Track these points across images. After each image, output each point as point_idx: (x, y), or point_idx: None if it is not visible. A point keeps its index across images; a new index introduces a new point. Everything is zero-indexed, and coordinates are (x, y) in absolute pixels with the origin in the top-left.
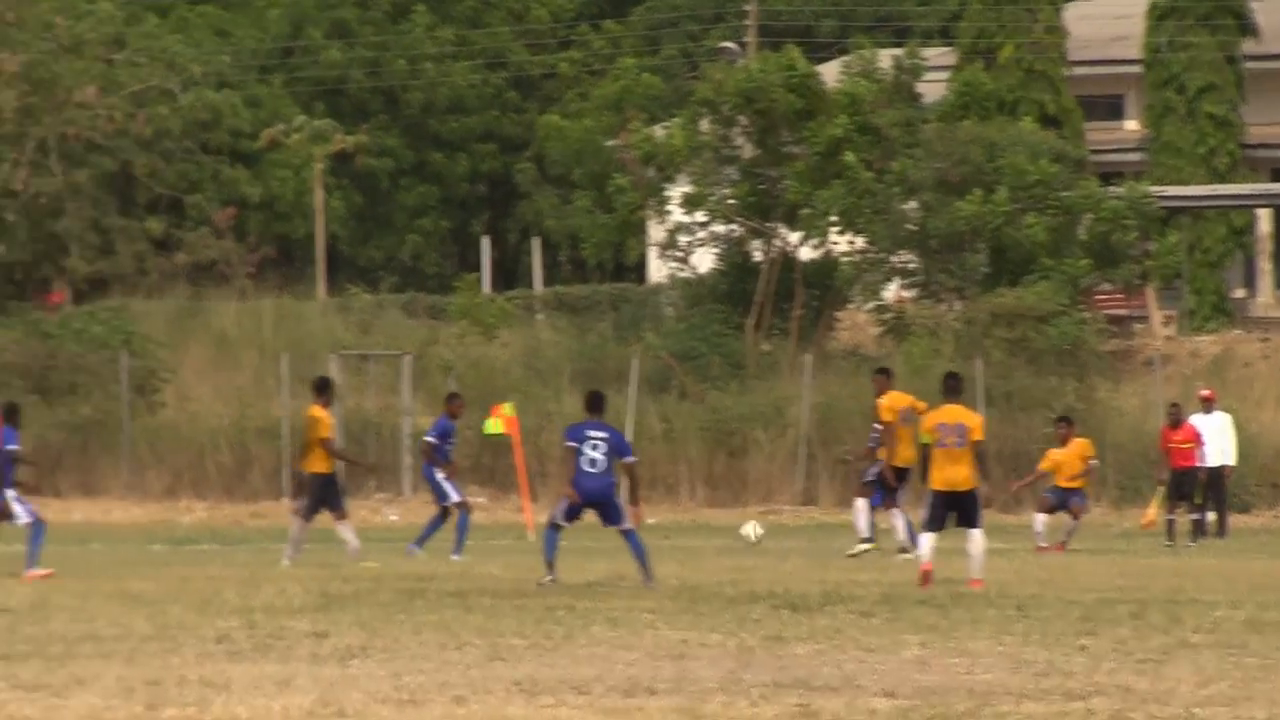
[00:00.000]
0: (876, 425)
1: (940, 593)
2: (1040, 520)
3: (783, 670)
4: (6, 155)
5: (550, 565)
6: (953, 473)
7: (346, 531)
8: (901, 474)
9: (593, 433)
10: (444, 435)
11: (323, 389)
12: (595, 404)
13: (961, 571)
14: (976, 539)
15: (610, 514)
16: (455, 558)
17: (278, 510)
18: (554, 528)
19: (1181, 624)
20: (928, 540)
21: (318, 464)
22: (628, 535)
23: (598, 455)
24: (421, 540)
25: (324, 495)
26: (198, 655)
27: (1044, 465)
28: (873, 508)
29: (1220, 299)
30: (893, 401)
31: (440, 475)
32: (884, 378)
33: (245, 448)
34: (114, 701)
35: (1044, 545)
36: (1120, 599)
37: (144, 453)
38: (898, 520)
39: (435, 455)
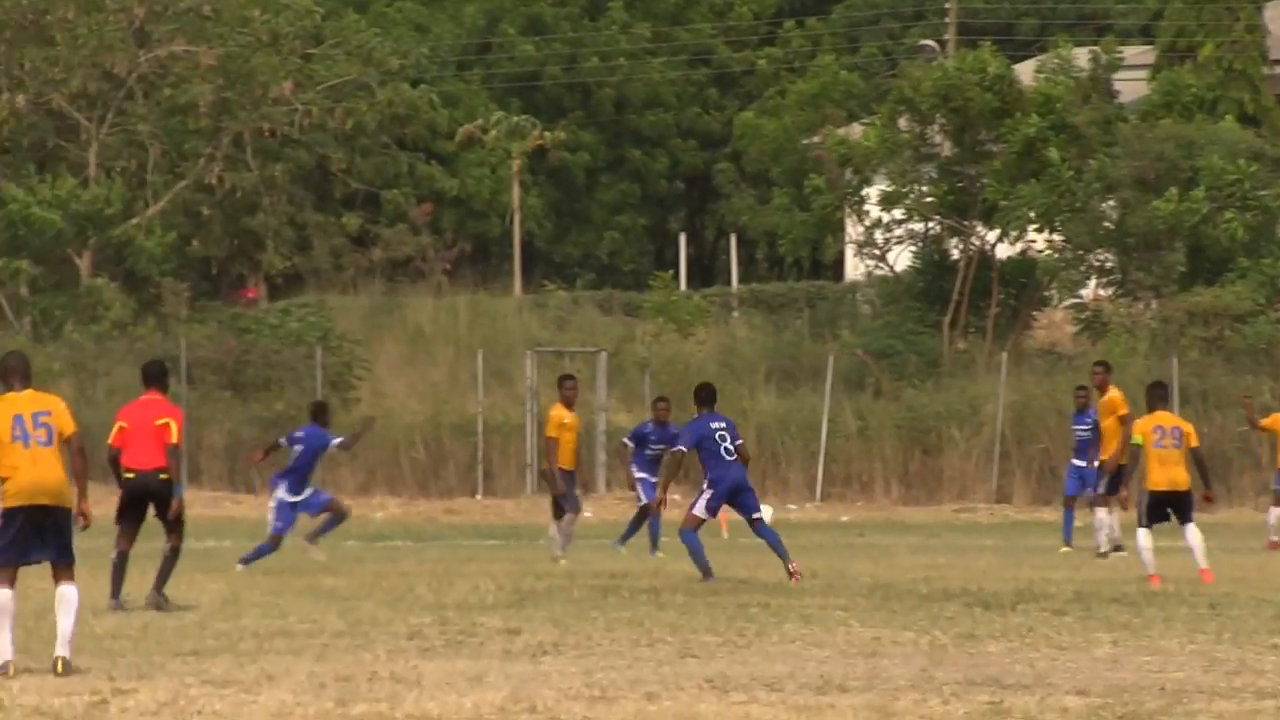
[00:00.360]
0: (1080, 427)
1: (1133, 591)
2: (1275, 514)
3: (975, 668)
4: (202, 150)
5: (708, 569)
6: (1174, 473)
7: (556, 531)
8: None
9: (715, 424)
10: (639, 440)
11: (559, 385)
12: (709, 396)
13: (1165, 568)
14: (1194, 531)
15: (750, 501)
16: (653, 555)
17: (471, 507)
18: (695, 528)
19: None
20: (1147, 541)
21: (561, 460)
22: (760, 525)
23: (728, 444)
24: (624, 538)
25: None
26: (389, 651)
27: (1266, 423)
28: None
29: None
30: (1118, 398)
31: (638, 475)
32: (1105, 371)
33: (440, 444)
34: (305, 697)
35: (1276, 540)
36: None
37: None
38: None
39: (632, 459)
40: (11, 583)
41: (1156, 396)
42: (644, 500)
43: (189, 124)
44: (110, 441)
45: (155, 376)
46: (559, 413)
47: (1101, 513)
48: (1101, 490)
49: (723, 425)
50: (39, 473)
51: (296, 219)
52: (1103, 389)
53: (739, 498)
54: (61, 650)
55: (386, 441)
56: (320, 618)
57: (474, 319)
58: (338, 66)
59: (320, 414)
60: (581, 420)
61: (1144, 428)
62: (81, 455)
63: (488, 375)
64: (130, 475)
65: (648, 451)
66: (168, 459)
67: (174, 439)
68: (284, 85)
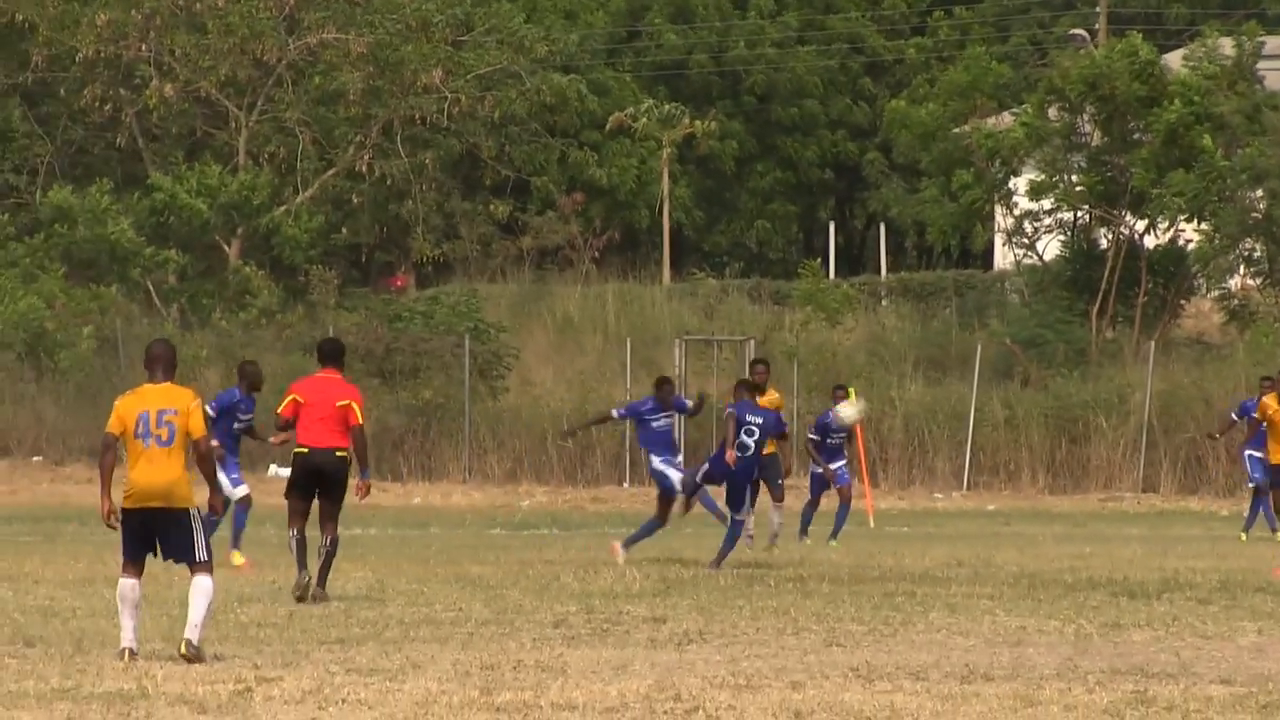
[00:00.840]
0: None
1: (1279, 580)
2: None
3: (1119, 657)
4: (351, 137)
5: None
6: None
7: (776, 514)
8: None
9: (751, 417)
10: (822, 430)
11: (749, 370)
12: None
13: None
14: None
15: (737, 499)
16: (830, 543)
17: (619, 495)
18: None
19: None
20: None
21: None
22: (736, 524)
23: (750, 441)
24: (835, 533)
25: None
26: (534, 640)
27: None
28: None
29: None
30: None
31: (818, 470)
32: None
33: (587, 432)
34: (449, 686)
35: None
36: None
37: (485, 437)
38: None
39: (815, 451)
40: (136, 573)
41: None
42: (809, 498)
43: (338, 112)
44: (280, 411)
45: (332, 355)
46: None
47: None
48: None
49: (758, 421)
50: (150, 475)
51: (445, 206)
52: None
53: (732, 491)
54: (189, 634)
55: (533, 429)
56: (466, 606)
57: (622, 307)
58: (488, 55)
59: (661, 386)
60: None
61: None
62: (207, 459)
63: (636, 364)
64: (304, 451)
65: (829, 440)
66: (353, 440)
67: (359, 420)
68: (434, 73)
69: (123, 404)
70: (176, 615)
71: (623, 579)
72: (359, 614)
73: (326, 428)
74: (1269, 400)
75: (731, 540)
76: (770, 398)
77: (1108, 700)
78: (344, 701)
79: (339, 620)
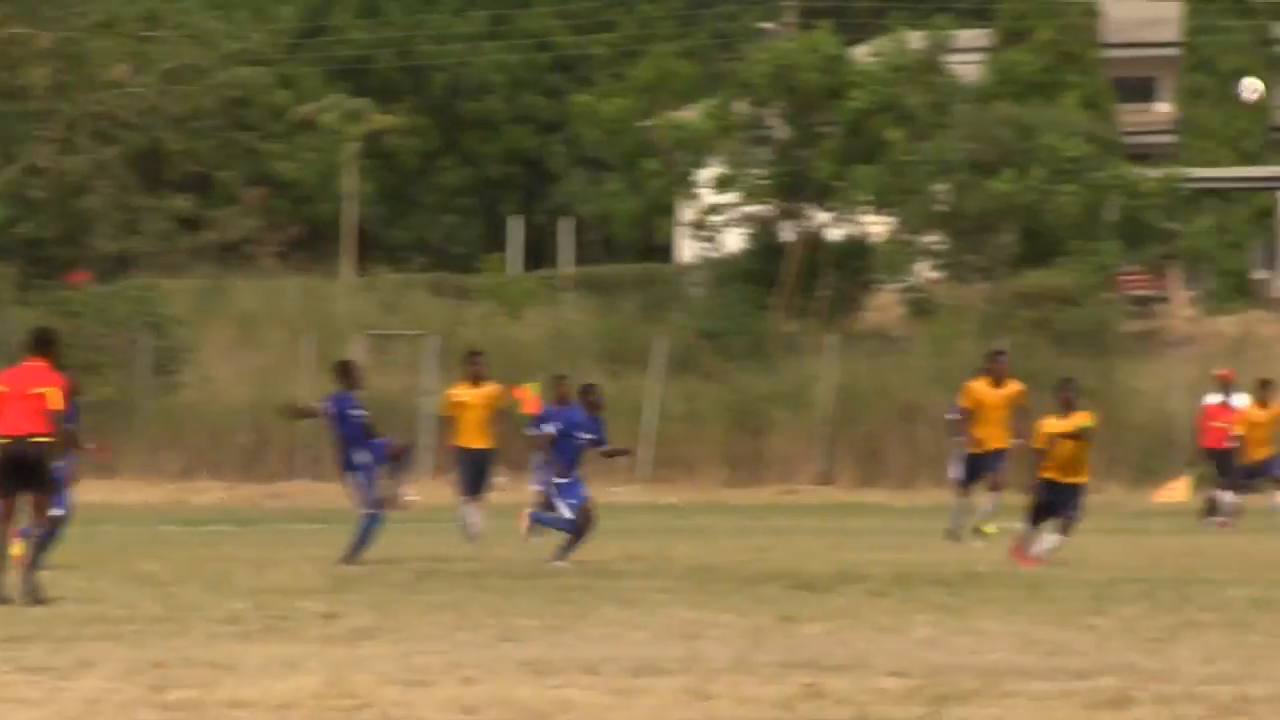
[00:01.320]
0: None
1: (952, 573)
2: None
3: (793, 650)
4: (35, 132)
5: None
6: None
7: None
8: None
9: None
10: (568, 430)
11: (465, 361)
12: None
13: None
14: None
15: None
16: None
17: (294, 490)
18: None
19: (1190, 603)
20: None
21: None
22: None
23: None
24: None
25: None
26: (206, 636)
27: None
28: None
29: (1241, 280)
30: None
31: (555, 481)
32: (1003, 360)
33: (264, 428)
34: (118, 683)
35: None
36: (1130, 579)
37: (161, 433)
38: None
39: (553, 455)
40: None
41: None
42: (566, 516)
43: (23, 107)
44: None
45: (38, 344)
46: (451, 390)
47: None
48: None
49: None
50: None
51: (126, 201)
52: (1000, 379)
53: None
54: None
55: (210, 425)
56: (137, 603)
57: (304, 303)
58: (174, 49)
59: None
60: (405, 405)
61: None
62: None
63: (317, 359)
64: (5, 441)
65: (578, 441)
66: (49, 425)
67: (54, 405)
68: (119, 68)
69: None
70: None
71: (296, 575)
72: (28, 612)
73: (22, 415)
74: (977, 384)
75: (364, 534)
76: (486, 390)
77: (780, 693)
78: (9, 700)
79: (7, 618)
